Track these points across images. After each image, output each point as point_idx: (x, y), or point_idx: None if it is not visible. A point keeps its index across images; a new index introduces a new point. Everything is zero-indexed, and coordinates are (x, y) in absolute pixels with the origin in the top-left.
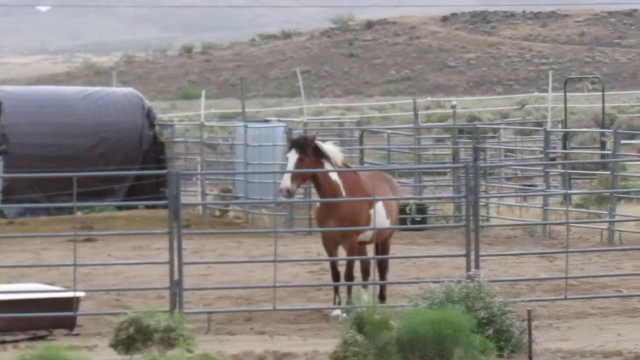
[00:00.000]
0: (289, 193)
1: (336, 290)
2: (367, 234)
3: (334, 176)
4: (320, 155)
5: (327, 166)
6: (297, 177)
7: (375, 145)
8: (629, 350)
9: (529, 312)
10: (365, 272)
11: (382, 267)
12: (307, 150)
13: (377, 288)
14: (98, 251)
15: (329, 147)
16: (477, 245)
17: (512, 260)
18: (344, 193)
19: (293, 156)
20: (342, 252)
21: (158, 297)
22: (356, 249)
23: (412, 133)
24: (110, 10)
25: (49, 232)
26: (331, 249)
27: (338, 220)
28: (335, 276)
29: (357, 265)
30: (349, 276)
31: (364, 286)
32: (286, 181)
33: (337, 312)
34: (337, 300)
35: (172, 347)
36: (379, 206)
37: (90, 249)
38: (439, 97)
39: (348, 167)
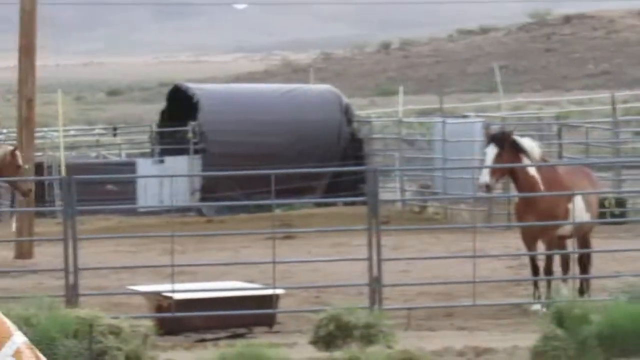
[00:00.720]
0: (488, 188)
1: (536, 284)
2: (566, 229)
3: (532, 171)
4: (518, 150)
5: (525, 161)
6: (495, 172)
7: (574, 140)
8: None
9: None
10: (565, 267)
11: (584, 262)
12: (505, 144)
13: (577, 282)
14: (297, 248)
15: (527, 142)
16: None
17: None
18: (542, 188)
19: (491, 151)
20: (541, 247)
21: (357, 293)
22: (555, 243)
23: (610, 127)
24: (305, 7)
25: (248, 229)
26: (530, 244)
27: (536, 215)
28: (535, 271)
29: (557, 260)
30: (549, 271)
31: (564, 280)
32: (485, 176)
33: (537, 306)
34: (536, 295)
35: (372, 344)
36: (578, 200)
37: (289, 246)
38: (638, 91)
39: (546, 161)
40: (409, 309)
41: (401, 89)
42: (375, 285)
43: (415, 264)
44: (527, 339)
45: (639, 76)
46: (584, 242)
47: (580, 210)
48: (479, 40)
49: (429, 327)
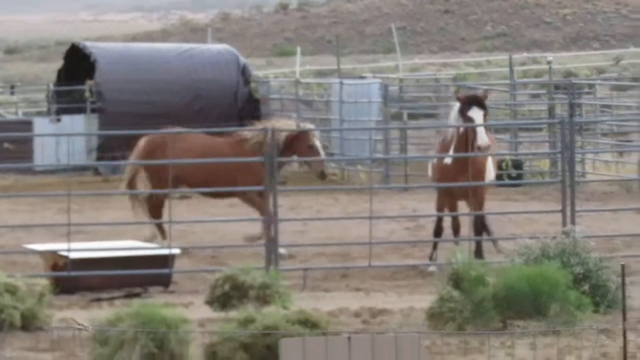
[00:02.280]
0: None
1: (435, 246)
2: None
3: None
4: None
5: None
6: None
7: None
8: None
9: (623, 267)
10: (458, 229)
11: (481, 223)
12: (485, 105)
13: (474, 244)
14: (193, 208)
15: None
16: (573, 201)
17: (609, 216)
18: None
19: (478, 113)
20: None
21: (254, 254)
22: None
23: (507, 89)
24: None
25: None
26: (453, 205)
27: (472, 175)
28: (439, 232)
29: (447, 222)
30: (457, 231)
31: (457, 243)
32: (484, 138)
33: (433, 268)
34: (433, 257)
35: (267, 304)
36: (489, 159)
37: (185, 207)
38: (535, 53)
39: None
40: (304, 269)
41: (299, 49)
42: (272, 245)
43: (312, 225)
44: (423, 300)
45: (536, 38)
46: (479, 201)
47: (490, 169)
48: (377, 1)
49: (325, 288)
